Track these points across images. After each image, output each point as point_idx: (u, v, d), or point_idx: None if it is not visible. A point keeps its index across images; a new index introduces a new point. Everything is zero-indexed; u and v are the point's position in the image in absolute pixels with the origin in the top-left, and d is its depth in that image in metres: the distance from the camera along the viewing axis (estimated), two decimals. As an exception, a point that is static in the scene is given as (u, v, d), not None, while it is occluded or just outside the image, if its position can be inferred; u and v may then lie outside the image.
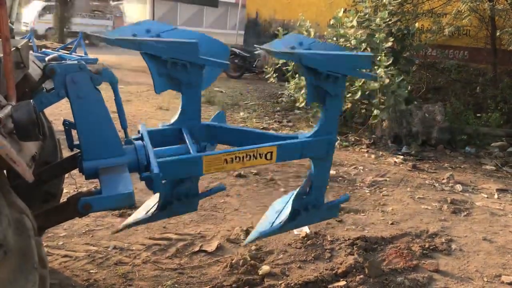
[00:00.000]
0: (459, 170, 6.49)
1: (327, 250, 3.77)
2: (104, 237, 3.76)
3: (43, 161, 2.86)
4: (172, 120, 2.84)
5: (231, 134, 2.95)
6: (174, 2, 32.00)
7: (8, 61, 1.82)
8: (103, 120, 2.30)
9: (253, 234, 3.07)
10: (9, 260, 1.47)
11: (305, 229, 4.10)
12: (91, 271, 3.29)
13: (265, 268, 3.43)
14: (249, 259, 3.51)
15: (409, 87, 7.90)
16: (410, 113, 7.53)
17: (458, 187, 5.62)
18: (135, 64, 16.01)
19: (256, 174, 5.59)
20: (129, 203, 2.11)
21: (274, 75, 9.76)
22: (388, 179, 5.77)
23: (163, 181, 2.72)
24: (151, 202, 3.16)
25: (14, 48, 2.16)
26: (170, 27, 2.77)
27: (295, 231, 4.14)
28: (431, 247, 3.92)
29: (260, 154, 2.64)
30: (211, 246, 3.73)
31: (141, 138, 2.58)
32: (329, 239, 3.95)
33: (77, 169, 2.47)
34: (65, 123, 2.41)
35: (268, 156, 2.68)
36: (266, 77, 9.85)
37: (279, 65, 9.16)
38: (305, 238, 3.92)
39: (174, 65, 2.59)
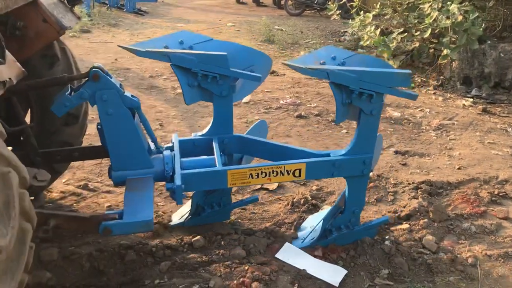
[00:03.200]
0: (535, 114, 6.09)
1: (390, 193, 3.71)
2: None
3: (65, 141, 2.93)
4: (204, 131, 2.85)
5: (262, 148, 2.88)
6: None
7: None
8: (131, 136, 2.41)
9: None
10: None
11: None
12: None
13: (326, 207, 3.44)
14: (310, 198, 3.53)
15: (484, 24, 7.35)
16: (483, 53, 7.05)
17: (533, 133, 5.30)
18: None
19: (317, 115, 5.51)
20: (147, 230, 2.25)
21: (338, 12, 9.34)
22: (456, 122, 5.51)
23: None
24: (185, 207, 3.23)
25: None
26: (205, 38, 2.75)
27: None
28: (500, 194, 3.75)
29: (288, 171, 2.59)
30: (273, 185, 3.78)
31: (172, 148, 2.68)
32: (392, 182, 3.88)
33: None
34: (98, 126, 2.52)
35: (297, 173, 2.62)
36: (329, 14, 9.46)
37: (343, 1, 8.74)
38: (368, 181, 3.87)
39: (204, 77, 2.58)
